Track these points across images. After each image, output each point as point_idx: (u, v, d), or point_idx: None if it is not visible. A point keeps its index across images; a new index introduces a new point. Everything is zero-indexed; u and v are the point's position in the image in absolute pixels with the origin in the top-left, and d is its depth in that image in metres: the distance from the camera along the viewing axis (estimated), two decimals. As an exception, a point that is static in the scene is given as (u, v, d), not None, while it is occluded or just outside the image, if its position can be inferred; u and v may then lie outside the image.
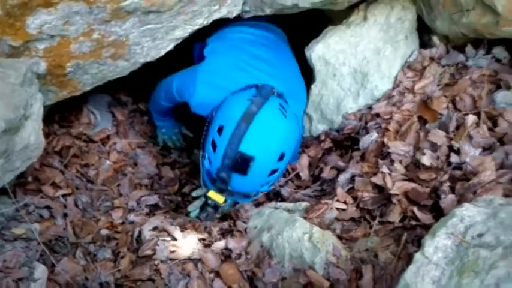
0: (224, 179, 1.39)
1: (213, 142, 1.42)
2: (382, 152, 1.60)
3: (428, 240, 0.90)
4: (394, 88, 1.85)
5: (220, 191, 1.44)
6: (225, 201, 1.48)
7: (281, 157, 1.42)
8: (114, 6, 1.37)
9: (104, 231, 1.51)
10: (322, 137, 1.97)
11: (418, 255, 0.89)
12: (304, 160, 1.90)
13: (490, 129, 1.48)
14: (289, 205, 1.48)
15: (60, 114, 1.92)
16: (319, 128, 2.01)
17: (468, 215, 0.93)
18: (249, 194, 1.48)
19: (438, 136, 1.50)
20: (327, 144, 1.93)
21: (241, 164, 1.34)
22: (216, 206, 1.52)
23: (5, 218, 1.23)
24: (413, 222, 1.25)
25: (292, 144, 1.51)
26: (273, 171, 1.43)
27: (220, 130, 1.40)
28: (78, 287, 1.18)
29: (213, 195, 1.45)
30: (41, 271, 1.09)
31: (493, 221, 0.89)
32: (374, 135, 1.72)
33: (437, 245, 0.88)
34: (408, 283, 0.86)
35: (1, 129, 1.11)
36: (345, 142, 1.86)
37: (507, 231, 0.85)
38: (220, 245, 1.35)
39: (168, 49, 1.69)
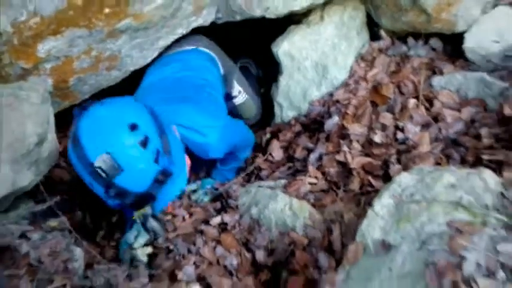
0: (116, 192, 1.37)
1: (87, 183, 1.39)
2: (343, 133, 1.95)
3: (377, 201, 1.26)
4: (350, 77, 2.17)
5: (129, 204, 1.43)
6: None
7: (132, 127, 1.37)
8: (110, 28, 1.63)
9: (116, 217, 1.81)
10: (293, 122, 2.29)
11: (369, 212, 1.24)
12: (275, 143, 2.22)
13: (427, 109, 1.82)
14: (271, 183, 1.81)
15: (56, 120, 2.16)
16: (289, 114, 2.34)
17: (404, 181, 1.29)
18: (144, 183, 1.42)
19: (386, 118, 1.84)
20: (297, 128, 2.25)
21: (103, 169, 1.32)
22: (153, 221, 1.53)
23: (38, 214, 1.51)
24: (369, 189, 1.60)
25: (138, 114, 1.45)
26: (140, 145, 1.37)
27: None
28: (106, 262, 1.48)
29: (137, 212, 1.48)
30: (79, 252, 1.38)
31: (421, 184, 1.25)
32: (336, 119, 2.04)
33: (383, 204, 1.24)
34: (363, 232, 1.21)
35: (34, 143, 1.38)
36: (312, 125, 2.19)
37: (430, 191, 1.21)
38: (217, 220, 1.66)
39: (154, 56, 1.97)
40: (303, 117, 2.27)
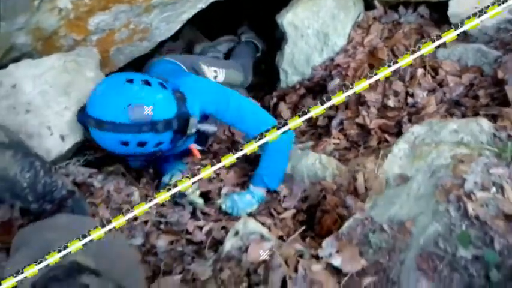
0: (164, 126, 1.78)
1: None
2: (361, 101, 2.44)
3: (395, 146, 1.79)
4: (348, 43, 2.76)
5: (178, 130, 1.86)
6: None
7: (129, 81, 1.77)
8: (147, 3, 2.05)
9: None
10: (297, 86, 2.87)
11: (390, 156, 1.77)
12: (283, 105, 2.86)
13: (432, 77, 2.30)
14: (300, 145, 2.31)
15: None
16: (294, 79, 2.90)
17: (416, 131, 1.79)
18: (172, 106, 1.84)
19: (398, 85, 2.33)
20: (302, 91, 2.82)
21: (138, 118, 1.72)
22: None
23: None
24: (386, 144, 2.11)
25: (127, 73, 1.88)
26: (145, 84, 1.79)
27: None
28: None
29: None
30: (134, 189, 1.90)
31: (430, 131, 1.77)
32: (337, 81, 2.60)
33: (400, 148, 1.77)
34: (386, 170, 1.75)
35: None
36: (315, 88, 2.75)
37: (437, 135, 1.74)
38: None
39: (177, 29, 2.43)
40: (306, 81, 2.84)
